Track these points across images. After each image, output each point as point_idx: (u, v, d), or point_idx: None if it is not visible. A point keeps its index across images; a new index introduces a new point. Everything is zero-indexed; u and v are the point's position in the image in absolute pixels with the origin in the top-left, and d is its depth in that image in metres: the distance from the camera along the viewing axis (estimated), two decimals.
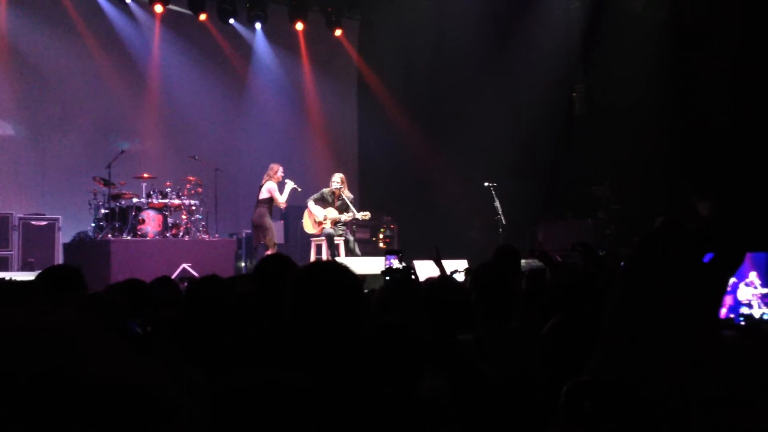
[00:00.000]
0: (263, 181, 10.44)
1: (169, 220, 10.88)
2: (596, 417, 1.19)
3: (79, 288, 3.41)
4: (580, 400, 1.21)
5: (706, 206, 10.07)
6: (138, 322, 2.75)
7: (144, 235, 10.50)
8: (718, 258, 1.24)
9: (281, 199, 10.40)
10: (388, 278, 5.16)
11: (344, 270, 2.11)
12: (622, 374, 1.14)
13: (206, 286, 3.07)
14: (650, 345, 1.15)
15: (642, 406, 1.14)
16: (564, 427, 1.26)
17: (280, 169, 10.51)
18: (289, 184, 10.45)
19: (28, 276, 5.95)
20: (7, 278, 5.98)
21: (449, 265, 6.97)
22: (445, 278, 4.49)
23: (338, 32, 14.84)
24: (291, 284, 2.09)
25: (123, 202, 10.71)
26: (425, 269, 7.57)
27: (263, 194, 10.35)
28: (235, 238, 12.26)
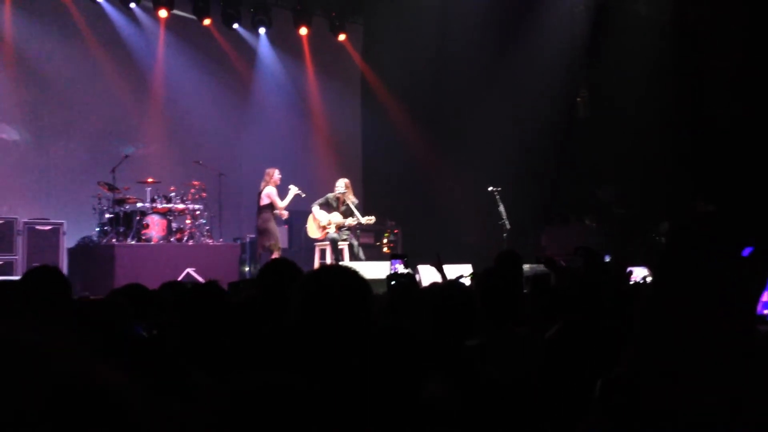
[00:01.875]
0: (261, 188, 10.45)
1: (174, 225, 10.90)
2: (632, 411, 1.19)
3: (64, 290, 3.36)
4: (616, 393, 1.21)
5: (710, 209, 10.07)
6: (143, 325, 2.77)
7: (148, 240, 10.52)
8: (758, 252, 1.23)
9: (281, 204, 10.39)
10: (393, 283, 5.18)
11: (354, 274, 2.12)
12: (657, 372, 1.14)
13: (203, 291, 3.07)
14: (686, 342, 1.15)
15: (677, 403, 1.14)
16: (598, 420, 1.26)
17: (276, 172, 10.50)
18: (293, 190, 10.45)
19: None
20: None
21: (454, 269, 6.98)
22: (453, 283, 4.50)
23: (342, 37, 14.87)
24: (299, 288, 2.09)
25: (127, 207, 10.74)
26: (429, 274, 7.57)
27: (263, 200, 10.37)
28: (239, 242, 12.27)
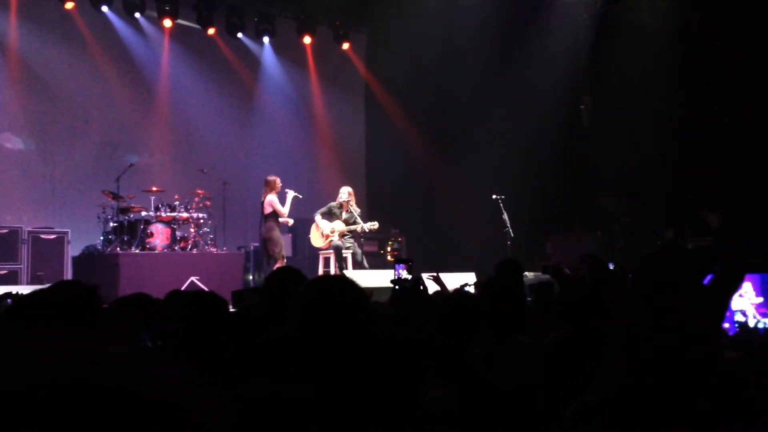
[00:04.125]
0: (263, 197, 10.43)
1: (178, 234, 10.92)
2: None
3: (95, 306, 3.39)
4: (588, 419, 1.22)
5: (714, 217, 10.05)
6: (148, 335, 2.78)
7: (152, 249, 10.54)
8: (718, 280, 1.26)
9: (284, 211, 10.38)
10: (397, 287, 5.18)
11: (350, 284, 2.13)
12: (626, 394, 1.16)
13: (205, 300, 3.07)
14: (654, 365, 1.16)
15: (647, 424, 1.15)
16: None
17: (278, 180, 10.50)
18: (290, 194, 10.44)
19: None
20: (14, 292, 6.01)
21: (457, 277, 6.97)
22: (460, 291, 4.51)
23: (346, 46, 14.91)
24: (297, 298, 2.11)
25: (132, 216, 10.76)
26: (430, 284, 7.56)
27: (266, 209, 10.36)
28: (243, 251, 12.28)
